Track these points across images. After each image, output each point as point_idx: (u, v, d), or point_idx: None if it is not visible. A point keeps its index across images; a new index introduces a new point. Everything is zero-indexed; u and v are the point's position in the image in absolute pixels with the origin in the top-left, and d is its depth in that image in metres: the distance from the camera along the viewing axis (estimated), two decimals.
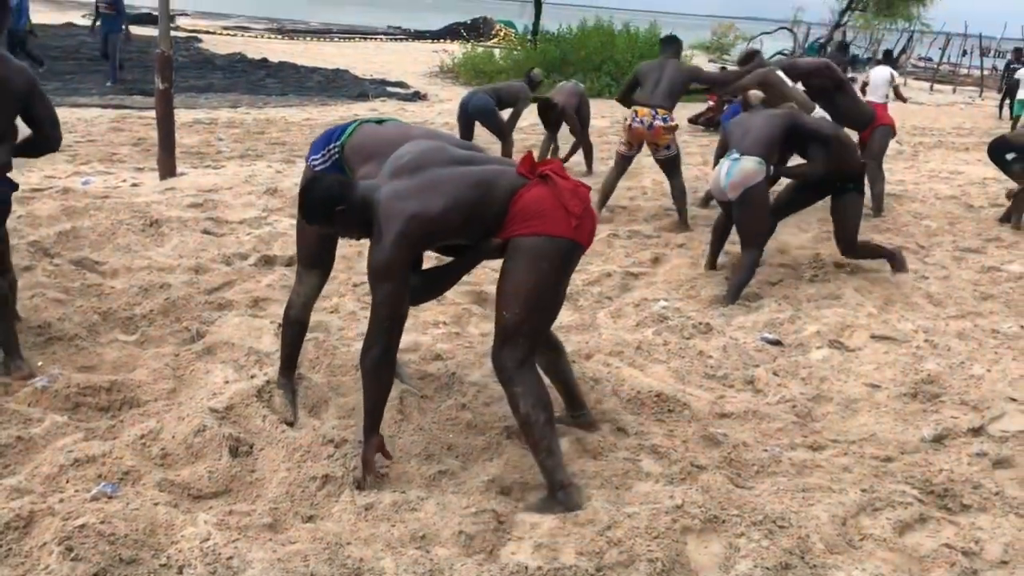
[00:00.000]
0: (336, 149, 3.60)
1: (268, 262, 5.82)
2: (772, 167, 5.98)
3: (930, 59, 37.38)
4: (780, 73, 7.52)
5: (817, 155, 5.98)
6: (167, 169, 8.10)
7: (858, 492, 3.29)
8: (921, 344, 5.01)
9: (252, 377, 4.03)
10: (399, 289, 3.13)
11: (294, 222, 6.65)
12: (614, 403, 4.07)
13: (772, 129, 5.88)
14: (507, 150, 9.45)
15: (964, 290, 6.20)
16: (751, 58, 8.34)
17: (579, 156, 10.03)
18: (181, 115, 12.00)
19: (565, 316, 5.23)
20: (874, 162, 8.44)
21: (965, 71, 34.48)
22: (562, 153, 10.17)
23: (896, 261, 6.40)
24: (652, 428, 3.84)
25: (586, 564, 2.78)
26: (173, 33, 25.41)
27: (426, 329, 4.87)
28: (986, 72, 31.09)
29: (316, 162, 3.64)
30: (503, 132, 9.59)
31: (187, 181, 7.95)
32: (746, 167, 5.69)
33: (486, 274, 6.00)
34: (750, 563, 2.76)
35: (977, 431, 3.94)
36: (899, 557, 2.94)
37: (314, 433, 3.52)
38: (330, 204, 3.16)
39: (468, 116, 9.52)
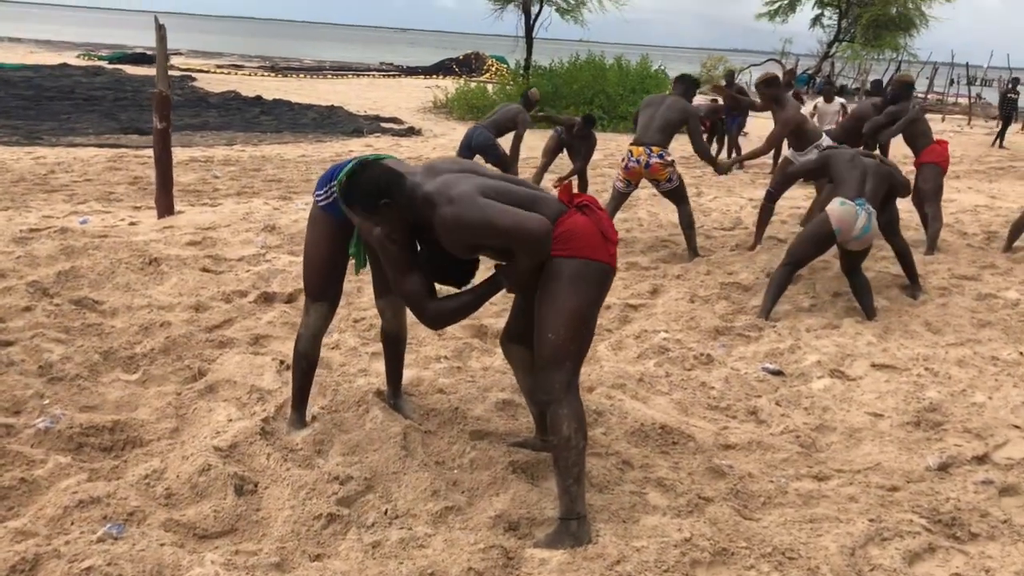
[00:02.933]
0: (336, 186, 3.58)
1: (268, 299, 5.82)
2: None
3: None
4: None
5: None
6: (165, 207, 8.12)
7: (866, 522, 3.28)
8: (922, 372, 5.02)
9: (255, 415, 4.02)
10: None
11: (292, 259, 6.75)
12: (618, 436, 4.07)
13: (883, 186, 6.14)
14: (543, 175, 9.63)
15: (962, 317, 6.22)
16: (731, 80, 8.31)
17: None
18: (177, 153, 12.05)
19: None
20: (931, 204, 8.49)
21: (952, 100, 34.82)
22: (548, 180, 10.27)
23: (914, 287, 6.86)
24: (657, 460, 3.84)
25: None
26: (168, 73, 25.58)
27: (428, 364, 4.87)
28: (973, 100, 31.38)
29: (320, 198, 3.65)
30: (505, 163, 9.66)
31: (185, 219, 7.97)
32: (875, 227, 5.97)
33: (486, 308, 6.01)
34: None
35: (982, 459, 3.95)
36: None
37: (319, 471, 3.51)
38: (375, 195, 3.13)
39: (471, 151, 9.60)
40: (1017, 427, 4.26)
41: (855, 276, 6.22)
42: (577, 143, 9.98)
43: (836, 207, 5.90)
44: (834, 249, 6.31)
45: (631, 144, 7.58)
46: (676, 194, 7.65)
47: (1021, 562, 3.08)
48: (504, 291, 3.40)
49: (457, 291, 3.43)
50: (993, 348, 5.52)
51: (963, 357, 5.29)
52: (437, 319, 3.41)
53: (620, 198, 7.85)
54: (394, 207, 3.14)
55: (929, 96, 33.76)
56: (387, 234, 3.23)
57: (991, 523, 3.35)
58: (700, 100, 14.06)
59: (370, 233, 3.32)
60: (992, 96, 33.60)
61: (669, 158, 7.45)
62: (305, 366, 3.88)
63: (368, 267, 3.86)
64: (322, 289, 3.76)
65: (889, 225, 6.86)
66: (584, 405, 4.26)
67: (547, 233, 3.10)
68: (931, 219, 8.57)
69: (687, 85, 7.91)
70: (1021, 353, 5.37)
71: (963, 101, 32.64)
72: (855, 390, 4.76)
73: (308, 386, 3.95)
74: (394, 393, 4.22)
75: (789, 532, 3.20)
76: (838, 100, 13.92)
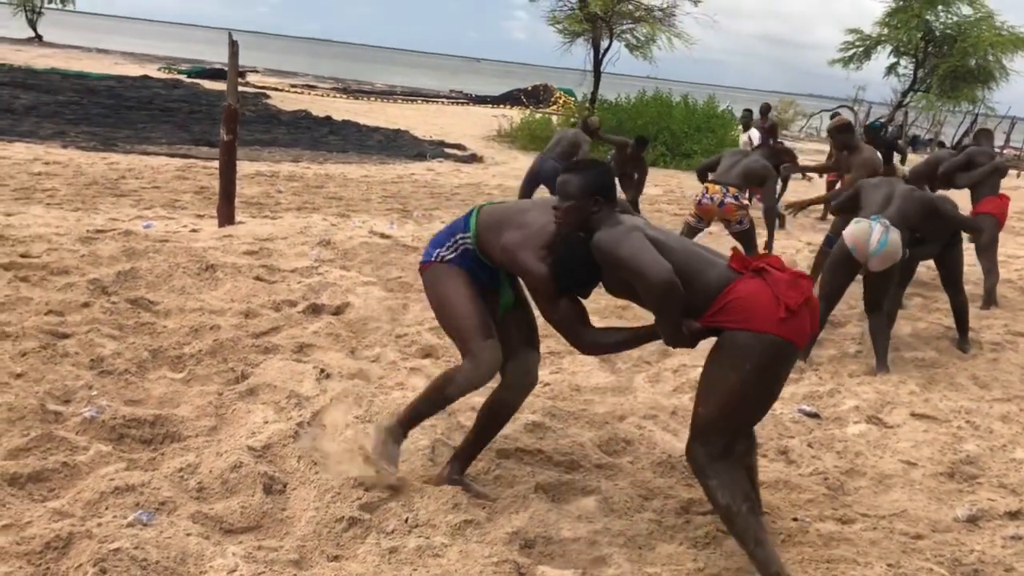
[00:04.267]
0: (468, 238, 3.50)
1: (316, 310, 5.96)
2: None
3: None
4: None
5: (937, 235, 6.26)
6: (226, 217, 8.38)
7: (884, 567, 3.26)
8: (962, 425, 4.95)
9: (291, 419, 4.13)
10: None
11: (344, 273, 6.91)
12: (644, 465, 4.09)
13: (916, 212, 5.89)
14: None
15: (1012, 373, 6.11)
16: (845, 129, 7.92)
17: None
18: (244, 167, 12.42)
19: (602, 378, 5.28)
20: (986, 256, 8.35)
21: None
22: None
23: (966, 338, 6.70)
24: (680, 492, 3.85)
25: None
26: (242, 89, 26.26)
27: None
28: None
29: (441, 255, 3.53)
30: None
31: (244, 229, 8.21)
32: (896, 240, 5.64)
33: None
34: None
35: (1014, 515, 3.88)
36: None
37: (345, 476, 3.60)
38: (599, 190, 3.18)
39: (539, 181, 9.72)
40: None
41: (874, 313, 5.92)
42: (630, 167, 10.10)
43: (850, 227, 5.78)
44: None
45: (708, 182, 7.72)
46: (745, 236, 7.75)
47: None
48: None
49: (613, 327, 3.50)
50: None
51: (1008, 413, 5.20)
52: (593, 349, 3.49)
53: (691, 232, 7.91)
54: (600, 205, 3.18)
55: (1007, 151, 33.03)
56: (562, 216, 3.23)
57: None
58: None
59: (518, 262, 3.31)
60: None
61: (744, 200, 7.60)
62: (442, 406, 3.68)
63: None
64: (480, 327, 3.41)
65: (950, 276, 6.74)
66: (614, 433, 4.34)
67: (663, 282, 2.96)
68: (986, 272, 8.41)
69: (769, 152, 8.38)
70: None
71: None
72: (891, 437, 4.71)
73: (429, 415, 3.70)
74: (461, 469, 3.73)
75: (804, 571, 3.20)
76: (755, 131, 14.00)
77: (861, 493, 4.03)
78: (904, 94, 34.14)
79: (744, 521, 3.01)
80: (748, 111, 15.05)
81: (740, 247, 7.79)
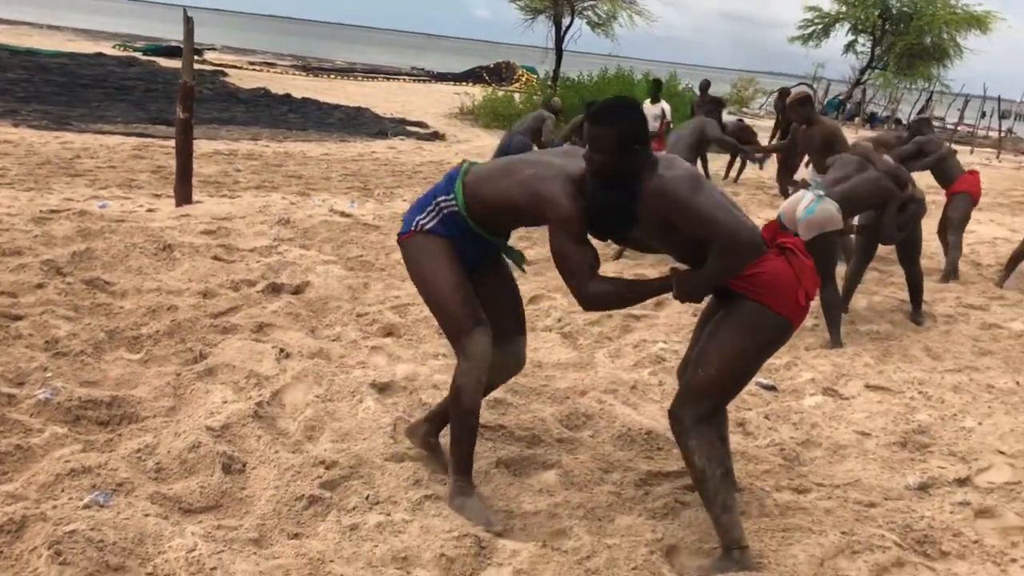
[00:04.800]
0: (451, 200, 3.31)
1: (275, 289, 5.92)
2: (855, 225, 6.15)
3: (941, 119, 37.59)
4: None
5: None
6: (183, 196, 8.27)
7: (838, 534, 3.32)
8: (915, 395, 5.05)
9: (250, 399, 4.12)
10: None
11: (303, 252, 6.87)
12: (605, 439, 4.13)
13: (866, 191, 5.91)
14: None
15: (963, 345, 6.24)
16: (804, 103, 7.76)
17: None
18: (202, 145, 12.26)
19: (563, 354, 5.31)
20: (954, 232, 8.52)
21: (983, 133, 34.59)
22: None
23: (919, 310, 6.80)
24: (640, 464, 3.89)
25: None
26: (200, 67, 25.84)
27: (425, 360, 4.95)
28: (1003, 134, 31.15)
29: (423, 222, 3.34)
30: None
31: (202, 209, 8.11)
32: (828, 209, 5.64)
33: None
34: None
35: (963, 481, 3.97)
36: None
37: (306, 455, 3.60)
38: (634, 138, 3.01)
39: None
40: (1003, 453, 4.28)
41: (824, 287, 5.85)
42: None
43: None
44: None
45: None
46: None
47: None
48: (670, 295, 3.22)
49: (619, 278, 3.34)
50: (991, 376, 5.53)
51: (959, 383, 5.31)
52: (596, 300, 3.20)
53: None
54: (638, 155, 3.04)
55: (959, 128, 33.53)
56: (596, 170, 3.08)
57: (962, 542, 3.38)
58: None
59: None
60: (1023, 130, 33.31)
61: None
62: (473, 422, 3.35)
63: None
64: (469, 315, 3.28)
65: (907, 252, 6.79)
66: (574, 408, 4.37)
67: (752, 244, 2.98)
68: (951, 247, 8.57)
69: (718, 104, 8.27)
70: (1018, 383, 5.38)
71: (993, 134, 32.39)
72: (846, 408, 4.79)
73: (474, 443, 3.41)
74: (433, 432, 3.71)
75: (761, 540, 3.25)
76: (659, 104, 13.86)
77: (816, 463, 4.11)
78: (862, 71, 34.53)
79: (715, 486, 3.06)
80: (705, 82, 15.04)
81: None
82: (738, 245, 2.97)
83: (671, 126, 12.92)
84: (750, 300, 3.03)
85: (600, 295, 3.18)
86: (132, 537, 2.89)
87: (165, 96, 17.98)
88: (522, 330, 3.63)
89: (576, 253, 3.12)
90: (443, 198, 3.34)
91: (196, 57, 28.66)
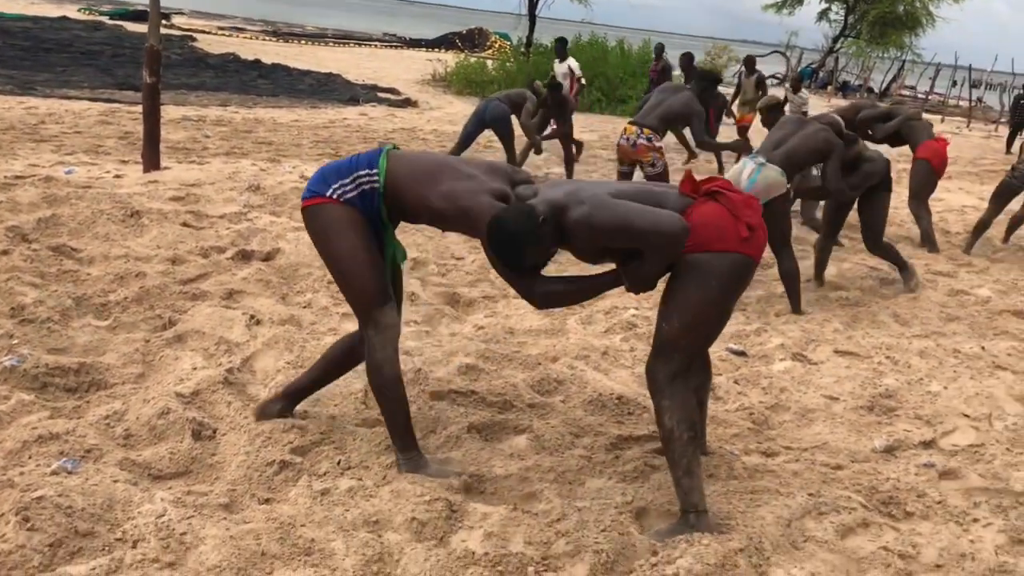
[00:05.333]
0: (375, 178, 3.24)
1: (245, 256, 5.87)
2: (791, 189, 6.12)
3: (912, 87, 37.84)
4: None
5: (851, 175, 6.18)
6: (151, 162, 8.16)
7: (805, 496, 3.37)
8: (883, 360, 5.11)
9: (220, 365, 4.09)
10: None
11: (274, 219, 6.80)
12: (576, 404, 4.15)
13: (807, 147, 5.86)
14: (512, 157, 9.70)
15: (931, 311, 6.31)
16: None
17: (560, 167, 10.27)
18: (170, 111, 12.07)
19: (535, 321, 5.31)
20: (914, 200, 8.53)
21: (954, 102, 34.83)
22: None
23: (908, 274, 6.71)
24: (611, 428, 3.92)
25: (533, 552, 2.86)
26: (168, 31, 25.37)
27: None
28: (973, 104, 31.41)
29: (339, 192, 3.24)
30: (510, 141, 9.81)
31: (170, 175, 8.01)
32: (770, 175, 5.63)
33: (460, 276, 6.10)
34: (691, 559, 2.83)
35: (928, 444, 4.04)
36: (838, 558, 3.02)
37: (277, 421, 3.58)
38: (521, 250, 3.01)
39: (484, 124, 9.66)
40: (967, 416, 4.35)
41: (779, 255, 5.91)
42: (555, 111, 10.21)
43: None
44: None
45: (628, 122, 7.66)
46: (659, 180, 7.69)
47: (948, 540, 3.17)
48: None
49: (567, 276, 3.36)
50: (956, 341, 5.60)
51: (925, 348, 5.38)
52: (544, 300, 3.25)
53: (621, 179, 7.87)
54: (541, 245, 3.04)
55: (931, 97, 33.75)
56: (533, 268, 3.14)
57: (926, 503, 3.44)
58: None
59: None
60: (993, 100, 33.59)
61: (658, 143, 7.48)
62: (400, 392, 3.35)
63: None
64: (382, 290, 3.29)
65: (869, 227, 6.61)
66: (546, 374, 4.39)
67: (684, 232, 2.98)
68: (916, 218, 8.64)
69: (706, 84, 7.87)
70: (983, 347, 5.46)
71: (964, 104, 32.64)
72: (814, 373, 4.85)
73: (409, 414, 3.42)
74: (290, 409, 3.67)
75: (729, 501, 3.29)
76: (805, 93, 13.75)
77: (785, 427, 4.15)
78: (835, 40, 34.60)
79: (683, 448, 3.07)
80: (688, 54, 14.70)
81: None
82: (669, 239, 2.99)
83: (583, 82, 12.58)
84: (694, 253, 3.03)
85: (548, 295, 3.21)
86: (101, 503, 2.88)
87: (132, 61, 17.65)
88: (400, 298, 3.61)
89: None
90: (365, 173, 3.25)
91: (164, 21, 28.10)
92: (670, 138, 11.34)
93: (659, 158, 7.53)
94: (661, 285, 3.20)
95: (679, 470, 3.08)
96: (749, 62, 14.26)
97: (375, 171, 3.25)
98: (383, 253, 3.37)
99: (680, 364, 3.10)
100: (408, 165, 3.29)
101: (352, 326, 4.85)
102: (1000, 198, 8.73)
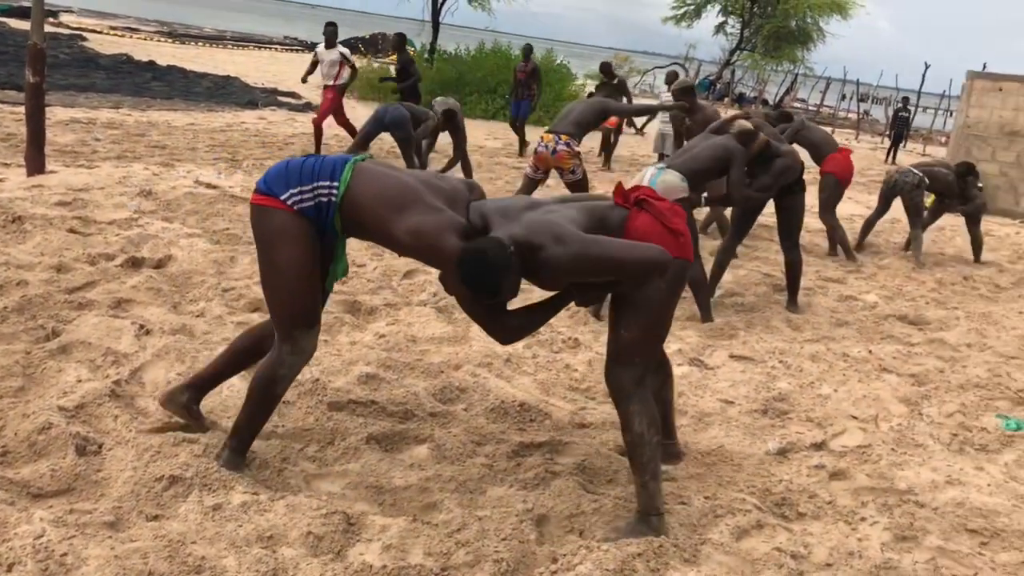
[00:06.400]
0: (334, 192, 3.14)
1: (135, 264, 5.66)
2: (704, 196, 6.21)
3: (803, 100, 39.25)
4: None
5: (761, 178, 6.20)
6: (35, 166, 7.80)
7: (701, 499, 3.43)
8: (776, 364, 5.25)
9: (107, 377, 3.93)
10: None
11: (166, 225, 6.59)
12: (478, 412, 4.13)
13: (708, 156, 5.93)
14: (411, 162, 9.73)
15: (821, 316, 6.53)
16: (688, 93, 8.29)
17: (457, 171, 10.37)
18: (58, 113, 11.62)
19: (438, 328, 5.27)
20: (824, 213, 8.80)
21: (843, 115, 36.21)
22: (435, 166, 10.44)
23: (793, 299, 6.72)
24: (512, 436, 3.91)
25: (432, 564, 2.82)
26: (56, 30, 24.38)
27: None
28: (861, 116, 32.71)
29: (299, 202, 3.13)
30: (408, 144, 9.83)
31: (56, 179, 7.68)
32: (668, 180, 5.67)
33: (361, 284, 6.01)
34: (591, 565, 2.84)
35: (819, 446, 4.16)
36: (734, 560, 3.07)
37: (166, 434, 3.46)
38: (507, 265, 3.01)
39: (383, 126, 9.69)
40: (855, 417, 4.50)
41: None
42: (451, 132, 10.47)
43: None
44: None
45: (544, 131, 7.77)
46: (579, 187, 7.82)
47: (838, 539, 3.26)
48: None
49: (525, 307, 3.42)
50: (845, 345, 5.80)
51: (817, 352, 5.55)
52: (508, 336, 3.38)
53: (530, 184, 7.94)
54: (515, 276, 3.08)
55: (821, 109, 35.01)
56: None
57: (817, 504, 3.54)
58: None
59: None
60: (879, 113, 35.07)
61: (576, 148, 7.61)
62: (273, 408, 3.36)
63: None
64: (312, 312, 3.23)
65: (786, 228, 6.60)
66: (448, 382, 4.35)
67: (670, 263, 3.07)
68: (830, 230, 8.92)
69: (609, 93, 8.29)
70: (870, 351, 5.66)
71: (852, 116, 33.98)
72: (711, 378, 4.94)
73: (262, 428, 3.41)
74: (197, 399, 3.60)
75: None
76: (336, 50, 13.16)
77: (683, 431, 4.21)
78: (731, 53, 35.54)
79: (651, 452, 3.13)
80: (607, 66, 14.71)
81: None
82: (659, 270, 3.07)
83: (355, 67, 12.07)
84: None
85: (511, 330, 3.35)
86: None
87: (16, 59, 16.85)
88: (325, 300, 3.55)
89: (479, 303, 3.19)
90: (325, 185, 3.14)
91: (51, 19, 26.94)
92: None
93: (578, 165, 7.68)
94: None
95: (646, 474, 3.13)
96: (606, 68, 14.14)
97: (336, 184, 3.14)
98: (329, 265, 3.33)
99: (643, 369, 3.20)
100: (374, 185, 3.17)
101: None
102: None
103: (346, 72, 11.72)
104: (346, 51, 11.92)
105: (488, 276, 3.00)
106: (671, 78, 14.62)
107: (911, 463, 4.03)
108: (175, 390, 3.59)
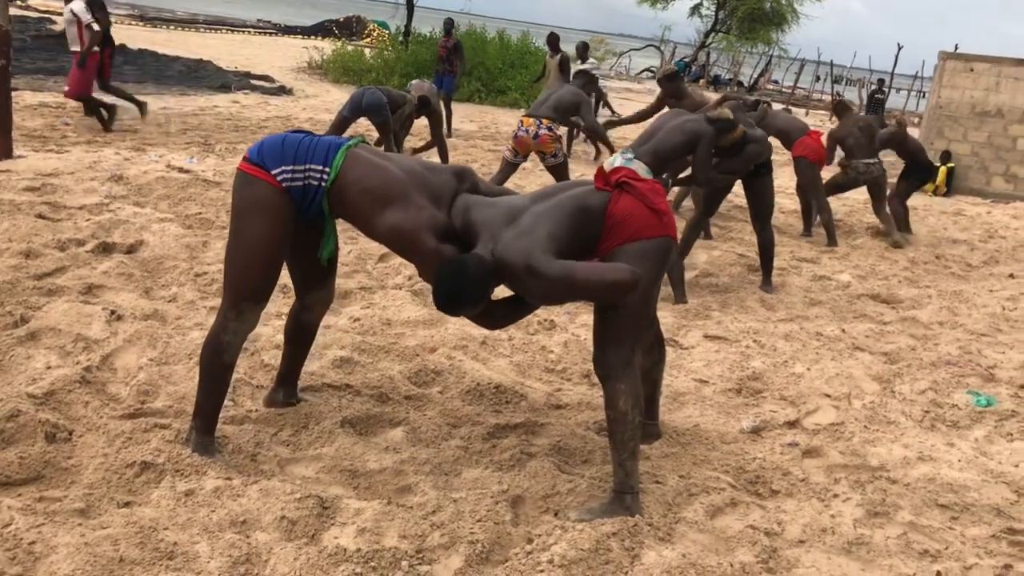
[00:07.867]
0: (326, 176, 3.17)
1: (106, 249, 5.60)
2: (668, 178, 6.19)
3: (776, 81, 39.37)
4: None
5: (728, 163, 6.13)
6: (3, 151, 7.70)
7: (676, 479, 3.44)
8: (750, 344, 5.27)
9: (77, 363, 3.89)
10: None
11: (137, 210, 6.51)
12: (454, 395, 4.12)
13: (672, 139, 5.79)
14: (389, 145, 9.66)
15: (795, 296, 6.56)
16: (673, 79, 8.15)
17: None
18: (26, 97, 11.46)
19: (413, 311, 5.25)
20: (814, 195, 8.82)
21: (818, 96, 36.36)
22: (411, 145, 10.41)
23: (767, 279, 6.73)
24: (488, 418, 3.90)
25: (407, 546, 2.81)
26: (23, 12, 23.94)
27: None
28: (835, 98, 32.84)
29: (288, 180, 3.16)
30: (387, 129, 9.73)
31: (25, 164, 7.58)
32: (635, 167, 5.62)
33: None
34: (565, 545, 2.84)
35: (792, 424, 4.18)
36: (708, 538, 3.09)
37: (139, 420, 3.43)
38: (489, 280, 3.08)
39: (360, 111, 9.60)
40: (828, 396, 4.53)
41: None
42: (428, 118, 10.40)
43: None
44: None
45: (523, 115, 7.80)
46: (559, 170, 7.87)
47: (811, 515, 3.29)
48: None
49: (510, 297, 3.39)
50: (819, 324, 5.84)
51: (790, 332, 5.58)
52: (495, 325, 3.49)
53: (509, 168, 7.96)
54: (487, 295, 3.14)
55: (796, 91, 35.13)
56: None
57: (790, 481, 3.57)
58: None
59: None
60: (851, 95, 35.22)
61: (557, 132, 7.66)
62: (227, 378, 3.36)
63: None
64: (265, 290, 3.26)
65: (756, 209, 6.61)
66: (423, 365, 4.34)
67: (640, 280, 3.05)
68: (816, 211, 8.95)
69: (585, 80, 8.50)
70: (843, 330, 5.70)
71: (827, 98, 34.11)
72: (685, 358, 4.96)
73: (223, 402, 3.41)
74: (292, 392, 3.81)
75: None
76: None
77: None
78: (706, 35, 35.57)
79: (633, 431, 3.15)
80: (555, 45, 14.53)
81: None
82: (630, 293, 3.08)
83: (94, 28, 10.02)
84: (625, 244, 3.15)
85: (497, 320, 3.42)
86: None
87: None
88: (334, 271, 3.74)
89: None
90: (318, 169, 3.17)
91: (19, 1, 26.45)
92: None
93: (559, 149, 7.72)
94: None
95: (624, 452, 3.15)
96: (552, 41, 13.89)
97: (327, 170, 3.18)
98: (319, 243, 3.43)
99: (631, 349, 3.21)
100: (362, 174, 3.20)
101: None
102: (838, 189, 9.26)
103: (87, 36, 9.99)
104: (80, 7, 9.95)
105: (464, 296, 3.06)
106: (581, 51, 14.43)
107: (883, 440, 4.06)
108: (271, 393, 3.80)
